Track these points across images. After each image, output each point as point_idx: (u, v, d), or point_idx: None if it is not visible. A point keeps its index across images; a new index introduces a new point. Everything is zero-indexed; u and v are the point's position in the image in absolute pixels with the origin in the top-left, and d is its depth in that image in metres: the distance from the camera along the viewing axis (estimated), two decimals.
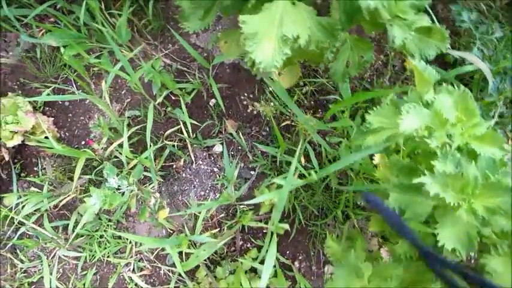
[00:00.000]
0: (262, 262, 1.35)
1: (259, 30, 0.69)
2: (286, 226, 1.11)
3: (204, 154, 1.54)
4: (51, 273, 1.39)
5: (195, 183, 1.52)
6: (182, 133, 1.50)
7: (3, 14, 1.37)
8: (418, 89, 0.81)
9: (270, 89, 1.51)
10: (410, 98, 0.77)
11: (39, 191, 1.41)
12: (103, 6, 1.49)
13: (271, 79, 1.12)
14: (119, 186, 1.15)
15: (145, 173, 1.45)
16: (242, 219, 1.26)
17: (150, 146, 1.36)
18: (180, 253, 1.39)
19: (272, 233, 1.26)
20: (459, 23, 1.35)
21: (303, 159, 1.45)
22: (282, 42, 0.68)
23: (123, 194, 1.19)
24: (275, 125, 1.34)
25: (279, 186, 1.42)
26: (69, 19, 1.46)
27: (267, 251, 1.19)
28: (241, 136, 1.51)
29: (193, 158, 1.52)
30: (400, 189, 0.74)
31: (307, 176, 1.06)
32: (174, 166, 1.53)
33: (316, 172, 1.03)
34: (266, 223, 1.41)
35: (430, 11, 1.15)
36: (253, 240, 1.43)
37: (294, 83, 1.47)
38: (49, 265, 1.40)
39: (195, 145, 1.52)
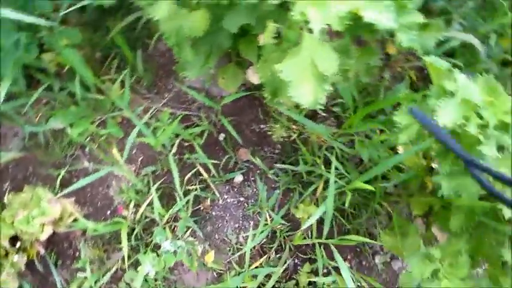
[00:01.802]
0: (314, 273, 1.41)
1: (295, 76, 0.74)
2: (354, 237, 1.16)
3: (227, 188, 1.58)
4: None
5: (227, 218, 1.55)
6: (201, 174, 1.53)
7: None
8: (436, 81, 0.88)
9: (272, 109, 1.57)
10: (434, 92, 0.84)
11: (83, 275, 1.40)
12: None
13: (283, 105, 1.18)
14: (173, 248, 1.17)
15: (178, 223, 1.47)
16: (293, 240, 1.30)
17: (181, 198, 1.38)
18: None
19: (320, 245, 1.31)
20: (433, 3, 1.44)
21: (323, 167, 1.51)
22: (321, 80, 0.73)
23: (174, 252, 1.21)
24: (301, 145, 1.39)
25: (313, 200, 1.48)
26: (64, 97, 1.47)
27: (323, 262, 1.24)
28: (257, 160, 1.55)
29: (218, 195, 1.55)
30: (449, 177, 0.81)
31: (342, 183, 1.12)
32: (202, 208, 1.55)
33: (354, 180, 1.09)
34: (307, 235, 1.47)
35: None
36: (301, 255, 1.47)
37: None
38: None
39: (216, 182, 1.55)
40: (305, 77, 0.74)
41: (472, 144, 0.77)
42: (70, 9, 1.21)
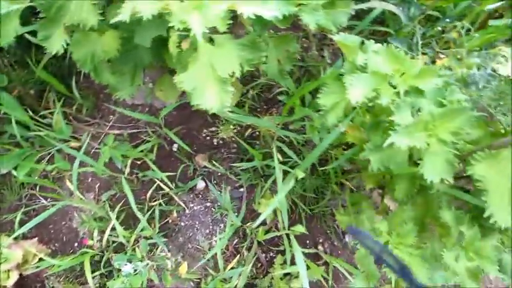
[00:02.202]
0: (291, 263, 1.42)
1: (196, 84, 0.73)
2: (301, 228, 1.17)
3: (191, 196, 1.57)
4: None
5: (196, 225, 1.54)
6: (162, 189, 1.52)
7: None
8: (348, 58, 0.89)
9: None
10: (347, 69, 0.84)
11: None
12: (31, 113, 1.47)
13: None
14: (135, 269, 1.16)
15: (148, 241, 1.45)
16: (257, 236, 1.30)
17: (145, 214, 1.37)
18: None
19: (288, 235, 1.32)
20: None
21: (280, 156, 1.51)
22: (222, 83, 0.72)
23: (140, 273, 1.20)
24: (246, 147, 1.39)
25: (273, 192, 1.49)
26: (6, 140, 1.43)
27: (291, 252, 1.25)
28: (215, 164, 1.54)
29: (183, 205, 1.54)
30: (375, 150, 0.82)
31: (294, 172, 1.12)
32: (170, 221, 1.54)
33: (298, 166, 1.09)
34: (276, 227, 1.47)
35: None
36: (273, 248, 1.47)
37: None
38: None
39: (179, 193, 1.54)
40: (206, 83, 0.73)
41: (387, 116, 0.77)
42: None
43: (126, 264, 1.16)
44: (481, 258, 0.74)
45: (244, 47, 0.80)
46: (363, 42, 0.92)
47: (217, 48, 0.72)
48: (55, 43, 0.81)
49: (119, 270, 1.43)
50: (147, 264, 1.23)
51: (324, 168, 1.41)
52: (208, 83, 0.72)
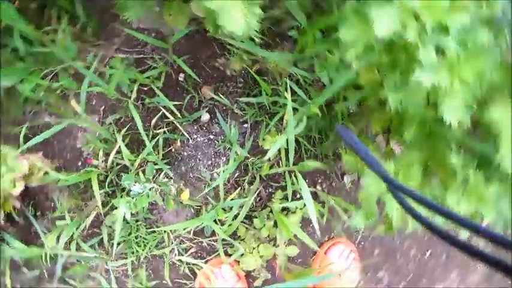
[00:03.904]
0: (287, 199, 1.47)
1: (224, 4, 0.70)
2: (313, 163, 1.19)
3: (195, 127, 1.57)
4: (110, 285, 1.47)
5: (199, 156, 1.57)
6: (167, 117, 1.52)
7: None
8: None
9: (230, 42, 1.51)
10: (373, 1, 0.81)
11: (62, 222, 1.44)
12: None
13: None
14: (143, 190, 1.19)
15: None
16: (261, 171, 1.33)
17: (149, 141, 1.38)
18: (214, 221, 1.48)
19: (290, 173, 1.35)
20: None
21: (288, 95, 1.50)
22: (251, 5, 0.69)
23: (147, 195, 1.24)
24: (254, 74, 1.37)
25: (278, 129, 1.49)
26: (8, 54, 1.39)
27: (292, 190, 1.29)
28: (221, 96, 1.53)
29: (187, 135, 1.55)
30: (394, 90, 0.81)
31: (306, 109, 1.12)
32: (173, 150, 1.56)
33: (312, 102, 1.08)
34: (278, 164, 1.50)
35: None
36: (273, 183, 1.52)
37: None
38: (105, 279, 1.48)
39: (183, 123, 1.55)
40: (235, 3, 0.70)
41: (412, 53, 0.75)
42: None
43: (134, 185, 1.19)
44: (483, 203, 0.77)
45: None
46: None
47: None
48: None
49: (123, 190, 1.48)
50: (152, 187, 1.26)
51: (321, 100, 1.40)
52: (237, 3, 0.69)
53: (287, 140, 1.24)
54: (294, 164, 1.29)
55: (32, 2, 1.44)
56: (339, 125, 0.82)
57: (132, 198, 1.23)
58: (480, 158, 0.84)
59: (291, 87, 1.46)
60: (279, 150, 1.45)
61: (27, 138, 1.49)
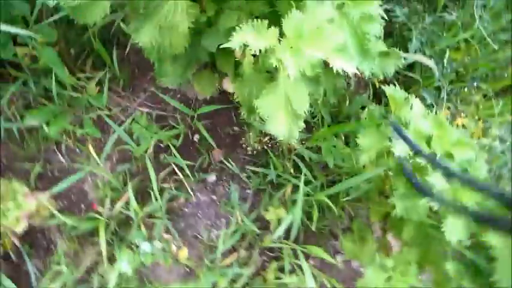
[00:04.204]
0: (281, 270, 1.51)
1: (272, 112, 0.81)
2: (317, 250, 1.26)
3: (200, 186, 1.64)
4: None
5: (200, 215, 1.62)
6: (176, 173, 1.59)
7: None
8: (395, 111, 0.98)
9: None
10: (392, 122, 0.94)
11: (58, 267, 1.44)
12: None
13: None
14: (152, 249, 1.23)
15: (153, 220, 1.53)
16: (262, 242, 1.39)
17: (157, 199, 1.44)
18: None
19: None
20: (394, 18, 1.53)
21: (292, 170, 1.60)
22: (295, 117, 0.80)
23: (152, 253, 1.28)
24: (271, 153, 1.47)
25: (281, 201, 1.57)
26: (39, 93, 1.47)
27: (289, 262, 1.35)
28: (230, 162, 1.62)
29: (191, 193, 1.61)
30: (402, 198, 0.92)
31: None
32: (176, 205, 1.62)
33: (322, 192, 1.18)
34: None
35: None
36: (268, 253, 1.57)
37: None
38: None
39: (190, 181, 1.61)
40: (281, 113, 0.81)
41: (422, 173, 0.87)
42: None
43: (143, 242, 1.23)
44: None
45: (309, 81, 0.87)
46: (406, 98, 1.02)
47: (295, 84, 0.80)
48: (144, 36, 0.87)
49: (121, 240, 1.51)
50: (159, 245, 1.30)
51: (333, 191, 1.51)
52: (283, 114, 0.80)
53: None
54: (295, 240, 1.36)
55: (72, 48, 1.54)
56: (392, 121, 0.92)
57: (134, 252, 1.26)
58: (475, 268, 0.93)
59: (296, 163, 1.58)
60: (279, 222, 1.52)
61: (38, 176, 1.53)
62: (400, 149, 0.84)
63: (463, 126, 1.46)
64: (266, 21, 0.71)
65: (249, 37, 0.69)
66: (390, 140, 0.96)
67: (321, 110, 1.17)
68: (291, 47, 0.70)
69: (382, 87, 0.97)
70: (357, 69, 0.96)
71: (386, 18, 1.00)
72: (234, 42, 0.70)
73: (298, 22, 0.71)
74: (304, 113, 0.80)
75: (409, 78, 1.70)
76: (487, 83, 1.57)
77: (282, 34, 0.72)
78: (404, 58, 1.43)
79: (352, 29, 0.81)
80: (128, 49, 1.65)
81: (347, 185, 1.16)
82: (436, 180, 0.81)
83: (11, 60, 1.45)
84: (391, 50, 1.06)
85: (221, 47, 0.76)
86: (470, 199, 0.80)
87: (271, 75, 0.83)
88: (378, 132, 1.00)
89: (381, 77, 1.09)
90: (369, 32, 0.83)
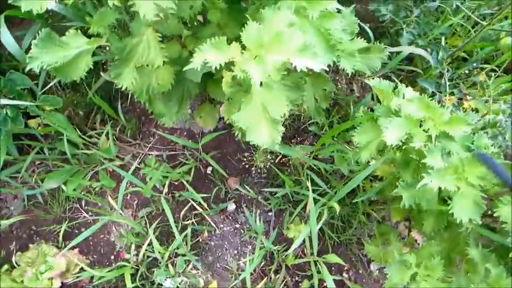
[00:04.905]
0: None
1: (250, 123, 0.82)
2: (334, 257, 1.23)
3: (222, 217, 1.65)
4: None
5: (226, 245, 1.62)
6: (195, 209, 1.61)
7: None
8: (383, 102, 0.96)
9: None
10: (382, 112, 0.92)
11: None
12: (79, 132, 1.60)
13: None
14: (174, 285, 1.23)
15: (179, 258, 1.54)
16: (286, 260, 1.37)
17: (178, 233, 1.45)
18: None
19: (316, 262, 1.38)
20: (381, 17, 1.54)
21: (308, 183, 1.58)
22: (274, 124, 0.81)
23: None
24: (279, 173, 1.47)
25: (301, 217, 1.55)
26: (55, 156, 1.56)
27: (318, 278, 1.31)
28: (246, 187, 1.63)
29: (214, 226, 1.62)
30: (407, 188, 0.88)
31: (327, 203, 1.19)
32: (201, 240, 1.62)
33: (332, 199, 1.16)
34: (303, 252, 1.53)
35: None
36: (299, 272, 1.53)
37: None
38: None
39: (211, 214, 1.63)
40: (260, 122, 0.82)
41: (419, 158, 0.84)
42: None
43: (165, 280, 1.24)
44: None
45: (288, 88, 0.89)
46: (395, 87, 1.00)
47: (268, 91, 0.82)
48: (125, 79, 0.92)
49: (152, 283, 1.52)
50: (183, 280, 1.30)
51: (353, 200, 1.47)
52: (262, 122, 0.81)
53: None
54: (318, 253, 1.32)
55: (80, 109, 1.64)
56: (480, 152, 0.86)
57: None
58: (500, 249, 0.87)
59: (311, 177, 1.56)
60: (304, 239, 1.49)
61: (65, 233, 1.59)
62: (391, 137, 0.82)
63: (475, 109, 1.40)
64: (225, 38, 0.74)
65: (208, 55, 0.72)
66: None
67: (315, 117, 1.17)
68: (255, 57, 0.72)
69: (366, 81, 0.97)
70: (338, 66, 0.96)
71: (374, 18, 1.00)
72: (195, 62, 0.73)
73: (257, 32, 0.73)
74: (282, 116, 0.80)
75: (412, 73, 1.68)
76: (491, 63, 1.52)
77: (243, 46, 0.74)
78: (397, 52, 1.44)
79: (314, 28, 0.82)
80: (129, 99, 1.73)
81: (352, 185, 1.13)
82: (434, 161, 0.77)
83: (25, 133, 1.55)
84: (371, 45, 1.06)
85: (184, 69, 0.78)
86: (472, 174, 0.76)
87: (246, 88, 0.85)
88: (373, 126, 0.98)
89: (368, 73, 1.08)
90: (331, 28, 0.84)
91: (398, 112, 0.89)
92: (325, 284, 1.50)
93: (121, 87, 0.96)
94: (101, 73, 1.26)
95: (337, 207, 1.21)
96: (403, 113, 0.87)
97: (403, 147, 1.01)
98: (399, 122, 0.85)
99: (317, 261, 1.40)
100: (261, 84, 0.76)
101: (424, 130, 0.86)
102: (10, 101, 1.16)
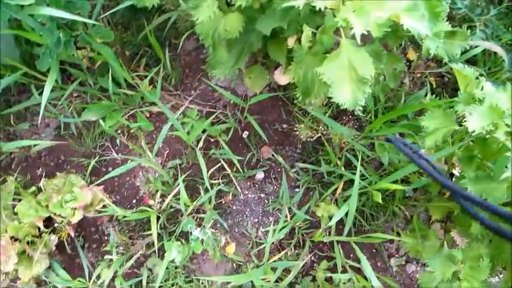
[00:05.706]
0: (333, 271, 1.45)
1: (336, 78, 0.78)
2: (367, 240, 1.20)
3: (248, 184, 1.62)
4: None
5: (247, 212, 1.60)
6: (224, 169, 1.58)
7: (37, 102, 1.44)
8: (464, 88, 0.92)
9: (296, 109, 1.61)
10: (463, 99, 0.88)
11: (109, 257, 1.46)
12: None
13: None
14: (203, 236, 1.22)
15: (201, 215, 1.52)
16: (313, 237, 1.34)
17: (207, 191, 1.44)
18: None
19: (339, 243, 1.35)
20: (455, 11, 1.47)
21: (343, 168, 1.54)
22: (361, 83, 0.77)
23: (202, 241, 1.26)
24: (326, 145, 1.43)
25: (331, 198, 1.52)
26: (96, 91, 1.53)
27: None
28: (279, 158, 1.59)
29: (240, 190, 1.60)
30: (476, 182, 0.84)
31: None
32: (224, 202, 1.61)
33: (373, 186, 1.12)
34: (328, 234, 1.51)
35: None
36: (318, 253, 1.51)
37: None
38: None
39: (238, 178, 1.60)
40: (345, 79, 0.78)
41: (499, 150, 0.80)
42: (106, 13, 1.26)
43: (195, 229, 1.23)
44: None
45: (370, 55, 0.84)
46: (477, 77, 0.95)
47: (356, 51, 0.77)
48: (203, 12, 0.89)
49: (170, 234, 1.51)
50: (210, 234, 1.29)
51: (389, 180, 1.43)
52: (347, 79, 0.77)
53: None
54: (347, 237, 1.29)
55: (127, 49, 1.60)
56: (388, 136, 0.82)
57: (183, 244, 1.25)
58: None
59: (349, 161, 1.52)
60: (330, 218, 1.47)
61: (93, 169, 1.58)
62: (474, 124, 0.78)
63: None
64: None
65: None
66: (460, 124, 0.90)
67: (378, 94, 1.12)
68: (354, 10, 0.68)
69: (450, 64, 0.92)
70: (423, 45, 0.91)
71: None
72: (299, 2, 0.69)
73: None
74: (372, 77, 0.76)
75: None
76: None
77: None
78: (471, 47, 1.37)
79: None
80: (178, 50, 1.69)
81: (405, 172, 1.09)
82: None
83: (70, 62, 1.53)
84: (457, 29, 1.00)
85: (284, 5, 0.74)
86: None
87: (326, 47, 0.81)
88: (444, 114, 0.94)
89: (446, 59, 1.03)
90: None
91: (481, 102, 0.84)
92: (342, 268, 1.48)
93: (177, 29, 0.92)
94: (180, 0, 1.21)
95: (379, 195, 1.18)
96: (488, 103, 0.82)
97: (469, 142, 0.97)
98: (483, 110, 0.80)
99: (340, 243, 1.37)
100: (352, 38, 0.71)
101: (506, 124, 0.81)
102: (71, 15, 1.12)
